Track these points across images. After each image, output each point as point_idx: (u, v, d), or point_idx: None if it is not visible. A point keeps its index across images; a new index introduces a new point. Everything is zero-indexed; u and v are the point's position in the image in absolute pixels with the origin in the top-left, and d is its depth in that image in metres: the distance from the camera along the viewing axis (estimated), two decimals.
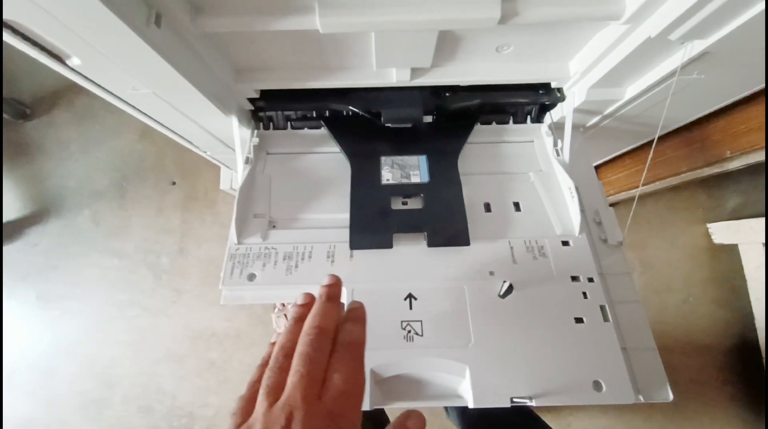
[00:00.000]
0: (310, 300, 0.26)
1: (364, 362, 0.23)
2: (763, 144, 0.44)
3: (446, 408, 0.76)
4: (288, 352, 0.22)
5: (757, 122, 0.44)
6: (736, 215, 1.02)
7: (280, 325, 0.89)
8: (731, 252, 0.99)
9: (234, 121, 0.42)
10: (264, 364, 0.23)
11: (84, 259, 1.08)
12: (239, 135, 0.43)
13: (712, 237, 1.00)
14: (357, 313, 0.25)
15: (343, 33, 0.33)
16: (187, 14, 0.31)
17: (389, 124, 0.45)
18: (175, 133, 0.47)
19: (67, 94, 1.16)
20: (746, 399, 0.91)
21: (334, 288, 0.26)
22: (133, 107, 0.40)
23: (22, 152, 1.13)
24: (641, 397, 0.34)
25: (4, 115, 1.11)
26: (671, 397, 0.34)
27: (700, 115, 0.45)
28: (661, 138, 0.56)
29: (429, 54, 0.37)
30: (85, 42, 0.28)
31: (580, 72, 0.40)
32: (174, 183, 1.11)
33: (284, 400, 0.20)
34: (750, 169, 1.06)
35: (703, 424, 0.92)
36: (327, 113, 0.48)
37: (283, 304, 0.91)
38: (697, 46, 0.31)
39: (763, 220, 0.90)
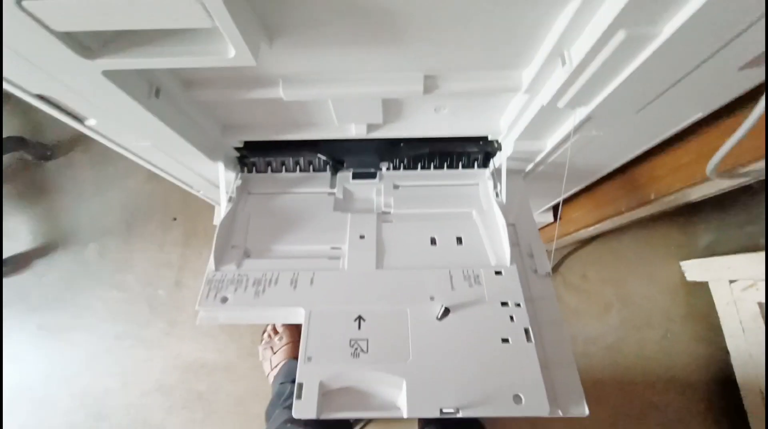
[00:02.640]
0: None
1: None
2: (679, 186, 0.51)
3: None
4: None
5: (671, 166, 0.51)
6: (710, 252, 1.06)
7: (266, 357, 0.93)
8: (706, 288, 1.02)
9: (220, 166, 0.50)
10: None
11: (90, 292, 1.14)
12: (224, 178, 0.51)
13: (685, 274, 1.04)
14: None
15: (302, 100, 0.42)
16: (180, 87, 0.39)
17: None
18: (172, 175, 0.56)
19: (85, 139, 1.28)
20: None
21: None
22: (137, 155, 0.49)
23: (41, 191, 1.23)
24: (560, 412, 0.38)
25: (28, 158, 1.23)
26: (587, 412, 0.38)
27: (621, 162, 0.52)
28: (607, 177, 0.63)
29: (378, 114, 0.45)
30: (100, 109, 0.36)
31: (507, 128, 0.47)
32: (175, 219, 1.19)
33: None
34: (718, 207, 1.11)
35: None
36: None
37: (270, 336, 0.95)
38: (582, 112, 0.38)
39: (731, 257, 0.94)
